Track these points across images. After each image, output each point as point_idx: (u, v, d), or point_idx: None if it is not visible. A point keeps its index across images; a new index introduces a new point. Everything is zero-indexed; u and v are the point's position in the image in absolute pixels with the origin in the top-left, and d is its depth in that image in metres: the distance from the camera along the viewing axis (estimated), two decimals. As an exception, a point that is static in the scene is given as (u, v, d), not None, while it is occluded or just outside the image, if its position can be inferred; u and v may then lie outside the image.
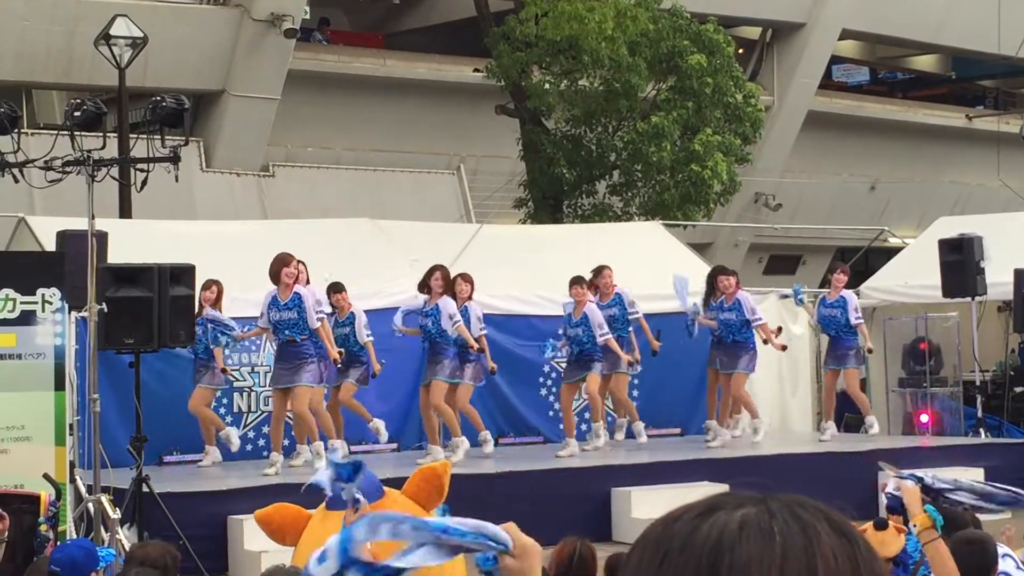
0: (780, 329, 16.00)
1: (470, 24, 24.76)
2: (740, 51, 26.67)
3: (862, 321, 15.98)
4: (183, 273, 12.17)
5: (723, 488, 11.33)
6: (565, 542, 6.91)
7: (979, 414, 17.05)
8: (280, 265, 13.32)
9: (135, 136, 16.00)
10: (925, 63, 38.13)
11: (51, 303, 11.15)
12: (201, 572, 11.55)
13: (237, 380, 14.80)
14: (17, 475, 10.56)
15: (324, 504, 3.32)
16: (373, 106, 26.46)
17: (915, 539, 6.96)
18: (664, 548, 1.49)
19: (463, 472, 12.57)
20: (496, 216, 23.60)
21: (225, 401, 14.80)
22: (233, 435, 14.14)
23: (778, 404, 18.21)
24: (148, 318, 11.81)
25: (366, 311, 14.24)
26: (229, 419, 14.63)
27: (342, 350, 13.69)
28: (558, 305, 15.26)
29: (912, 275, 18.15)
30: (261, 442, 14.59)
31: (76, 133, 11.48)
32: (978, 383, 17.30)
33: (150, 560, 6.46)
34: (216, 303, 13.83)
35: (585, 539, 6.99)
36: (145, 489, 11.64)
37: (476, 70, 24.18)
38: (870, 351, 16.39)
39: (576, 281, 14.82)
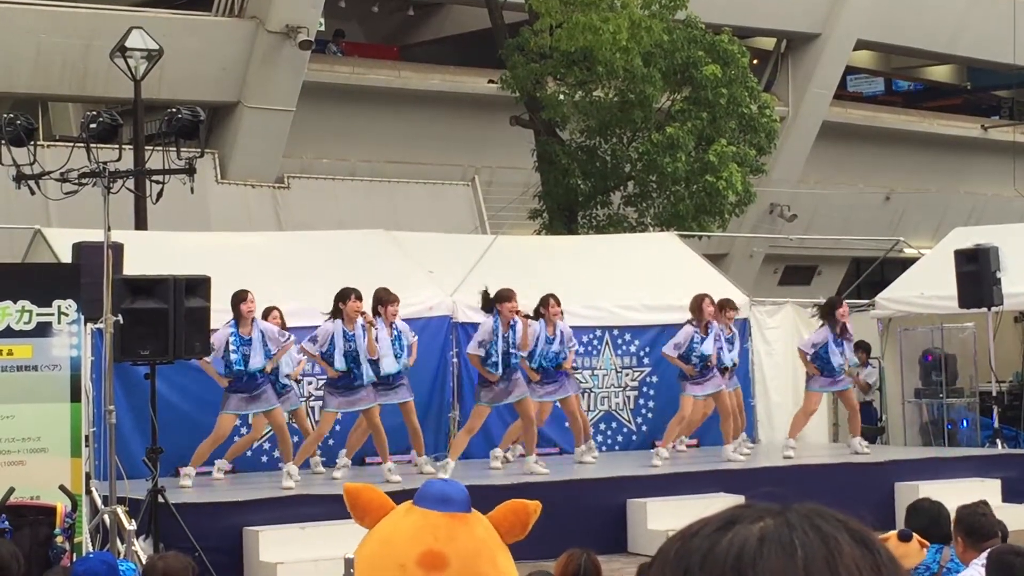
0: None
1: (485, 36, 24.79)
2: (755, 62, 26.64)
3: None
4: (198, 285, 12.18)
5: (739, 499, 11.30)
6: (570, 555, 6.70)
7: (996, 425, 17.00)
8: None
9: (151, 148, 16.04)
10: (940, 73, 38.08)
11: (67, 315, 11.17)
12: (217, 583, 11.56)
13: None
14: (33, 486, 10.58)
15: (412, 500, 3.29)
16: (388, 118, 26.49)
17: (933, 552, 6.94)
18: (684, 564, 1.46)
19: (474, 484, 12.55)
20: (511, 227, 23.58)
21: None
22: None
23: (792, 416, 18.16)
24: (164, 330, 11.82)
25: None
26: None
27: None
28: (574, 316, 15.23)
29: (928, 286, 18.09)
30: (276, 453, 14.59)
31: (92, 145, 11.51)
32: (994, 394, 17.25)
33: (172, 571, 6.46)
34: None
35: (590, 551, 6.79)
36: (161, 500, 11.66)
37: (491, 81, 24.19)
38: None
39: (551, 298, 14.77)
